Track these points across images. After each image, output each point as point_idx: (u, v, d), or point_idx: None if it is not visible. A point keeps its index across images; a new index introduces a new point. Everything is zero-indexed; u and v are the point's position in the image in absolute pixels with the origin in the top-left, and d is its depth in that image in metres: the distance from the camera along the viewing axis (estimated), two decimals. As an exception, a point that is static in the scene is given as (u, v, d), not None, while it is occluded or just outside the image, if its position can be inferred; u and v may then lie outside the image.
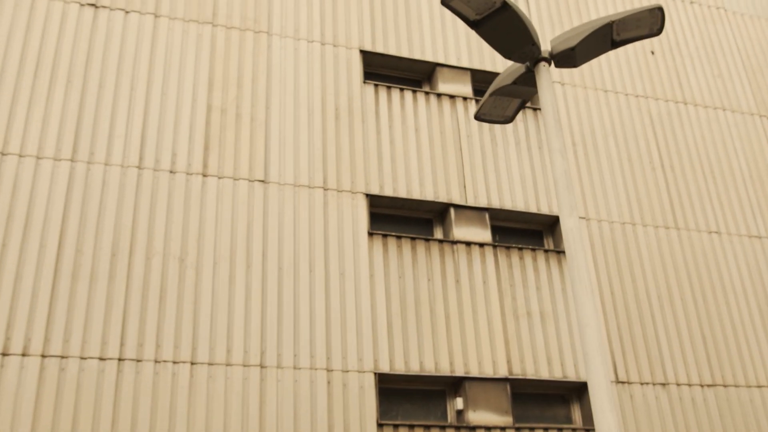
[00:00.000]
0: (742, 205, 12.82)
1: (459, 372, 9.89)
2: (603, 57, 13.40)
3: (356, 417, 9.22)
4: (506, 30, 5.31)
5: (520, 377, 10.14)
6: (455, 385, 10.02)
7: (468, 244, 10.81)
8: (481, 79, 12.43)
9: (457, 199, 11.08)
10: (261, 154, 10.36)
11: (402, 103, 11.52)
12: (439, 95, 11.81)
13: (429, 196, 10.95)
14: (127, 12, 10.66)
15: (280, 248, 9.85)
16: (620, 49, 13.58)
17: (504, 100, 5.69)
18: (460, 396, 9.89)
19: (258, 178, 10.18)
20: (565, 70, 12.97)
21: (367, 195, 10.62)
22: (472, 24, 5.41)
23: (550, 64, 5.57)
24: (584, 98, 12.80)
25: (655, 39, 14.05)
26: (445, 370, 9.82)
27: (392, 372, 9.57)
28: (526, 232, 11.78)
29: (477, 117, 5.99)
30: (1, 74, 9.65)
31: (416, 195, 10.89)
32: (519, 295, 10.76)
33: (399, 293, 10.14)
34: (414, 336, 9.93)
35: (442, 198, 11.01)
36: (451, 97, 11.85)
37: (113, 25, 10.49)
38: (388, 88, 11.55)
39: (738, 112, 13.91)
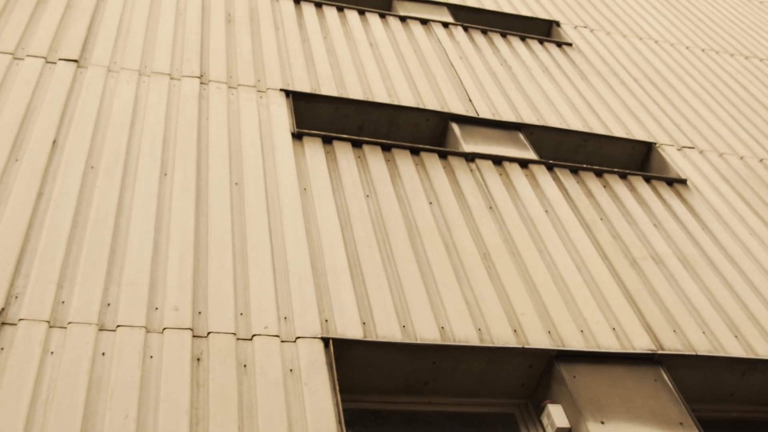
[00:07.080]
0: None
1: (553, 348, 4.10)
2: (630, 6, 9.17)
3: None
4: None
5: (682, 353, 4.30)
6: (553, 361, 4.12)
7: (498, 160, 5.52)
8: (464, 19, 7.99)
9: (460, 111, 6.00)
10: (79, 35, 5.49)
11: (343, 21, 6.94)
12: (403, 18, 7.29)
13: (408, 101, 5.89)
14: None
15: (98, 130, 4.56)
16: (650, 3, 9.43)
17: None
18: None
19: (67, 57, 5.20)
20: (589, 17, 8.65)
21: (289, 93, 5.57)
22: None
23: None
24: (630, 45, 8.30)
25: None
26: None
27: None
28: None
29: None
30: None
31: (382, 98, 5.83)
32: (624, 231, 5.22)
33: (370, 218, 4.64)
34: (418, 295, 4.25)
35: (433, 107, 5.93)
36: (424, 21, 7.32)
37: None
38: (318, 5, 7.05)
39: None
